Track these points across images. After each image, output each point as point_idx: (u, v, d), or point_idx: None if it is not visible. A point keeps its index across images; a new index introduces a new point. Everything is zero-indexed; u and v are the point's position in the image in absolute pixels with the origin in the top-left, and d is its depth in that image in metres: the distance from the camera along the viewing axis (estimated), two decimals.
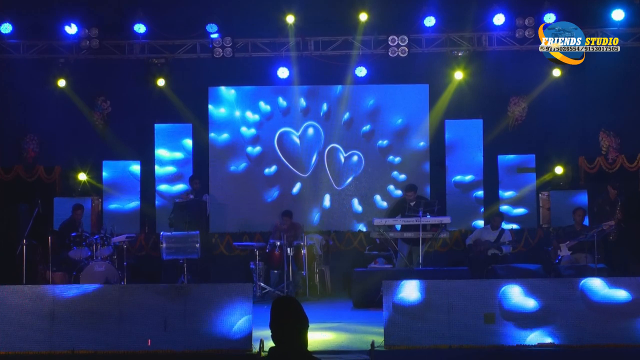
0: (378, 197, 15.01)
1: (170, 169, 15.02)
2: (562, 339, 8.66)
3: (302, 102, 15.15)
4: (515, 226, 14.12)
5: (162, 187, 14.97)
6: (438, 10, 14.40)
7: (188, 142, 15.06)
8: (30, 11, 14.47)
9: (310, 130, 15.17)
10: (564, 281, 9.52)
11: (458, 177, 14.93)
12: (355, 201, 15.04)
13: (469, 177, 14.91)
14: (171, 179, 15.00)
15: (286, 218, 13.19)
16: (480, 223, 14.48)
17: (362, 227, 14.69)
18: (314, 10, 14.31)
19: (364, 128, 15.10)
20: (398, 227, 12.60)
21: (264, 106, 15.15)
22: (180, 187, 14.83)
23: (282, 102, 15.16)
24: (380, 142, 15.08)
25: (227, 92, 15.19)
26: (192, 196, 13.91)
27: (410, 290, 8.80)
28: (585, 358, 8.60)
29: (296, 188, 15.08)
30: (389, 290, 8.80)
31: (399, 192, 14.70)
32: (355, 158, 15.11)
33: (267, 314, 4.52)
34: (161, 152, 15.01)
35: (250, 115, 15.15)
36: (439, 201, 12.92)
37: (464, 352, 8.57)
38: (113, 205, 14.77)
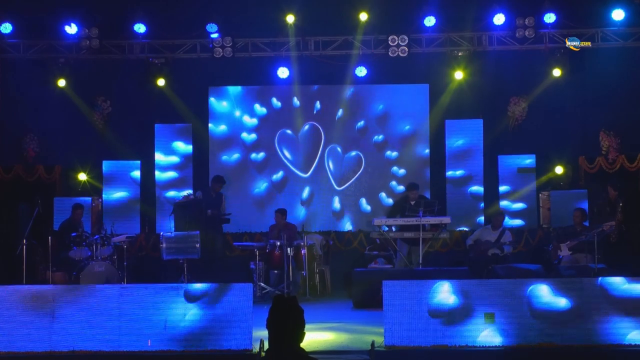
0: (379, 197, 15.02)
1: (171, 168, 15.02)
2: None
3: (303, 102, 15.14)
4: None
5: (162, 187, 14.96)
6: (438, 10, 14.39)
7: (188, 142, 15.06)
8: (30, 11, 14.46)
9: (311, 130, 15.17)
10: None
11: (458, 177, 14.92)
12: (358, 201, 15.05)
13: (469, 177, 14.91)
14: (171, 179, 14.99)
15: (278, 214, 13.24)
16: (480, 224, 14.48)
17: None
18: (314, 10, 14.32)
19: (365, 128, 15.09)
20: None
21: (264, 106, 15.16)
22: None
23: (282, 102, 15.15)
24: (380, 142, 15.07)
25: (227, 92, 15.19)
26: (192, 196, 13.89)
27: (410, 291, 8.79)
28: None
29: (296, 188, 15.08)
30: (389, 290, 8.79)
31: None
32: (355, 158, 15.11)
33: (267, 314, 4.51)
34: (161, 152, 15.00)
35: (251, 115, 15.15)
36: (439, 201, 12.92)
37: (464, 352, 8.56)
38: (113, 205, 14.77)
